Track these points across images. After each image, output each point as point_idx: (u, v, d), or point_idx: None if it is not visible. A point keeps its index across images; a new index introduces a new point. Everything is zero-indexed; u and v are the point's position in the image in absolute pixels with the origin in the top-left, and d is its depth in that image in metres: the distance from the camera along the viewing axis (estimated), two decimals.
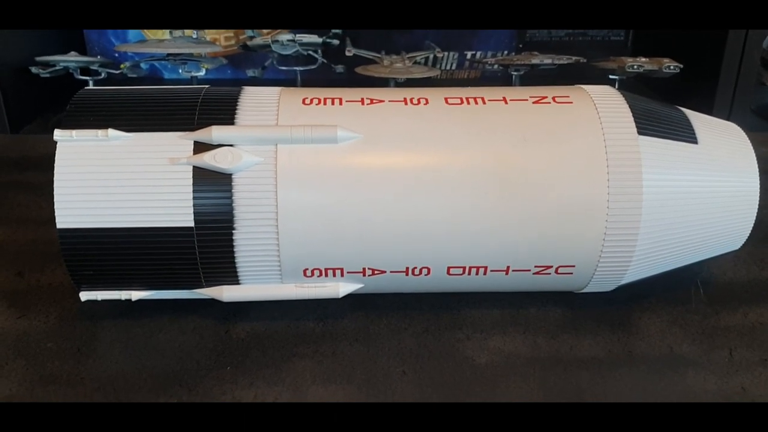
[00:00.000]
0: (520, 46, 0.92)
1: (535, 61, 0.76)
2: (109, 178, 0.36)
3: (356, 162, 0.36)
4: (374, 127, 0.37)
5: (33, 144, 0.69)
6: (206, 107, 0.38)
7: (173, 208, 0.36)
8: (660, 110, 0.40)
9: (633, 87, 0.85)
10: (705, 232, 0.39)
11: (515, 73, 0.78)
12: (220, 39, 0.90)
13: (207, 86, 0.41)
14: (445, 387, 0.35)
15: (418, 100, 0.39)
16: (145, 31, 0.90)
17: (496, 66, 0.84)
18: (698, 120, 0.41)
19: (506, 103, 0.39)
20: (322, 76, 0.83)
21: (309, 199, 0.36)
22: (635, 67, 0.72)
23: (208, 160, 0.36)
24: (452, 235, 0.37)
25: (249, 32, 0.84)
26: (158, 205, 0.36)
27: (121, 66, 0.78)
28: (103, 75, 0.77)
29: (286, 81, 0.83)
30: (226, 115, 0.37)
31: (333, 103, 0.39)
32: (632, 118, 0.38)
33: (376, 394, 0.35)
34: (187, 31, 0.83)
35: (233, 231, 0.36)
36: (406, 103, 0.39)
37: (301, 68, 0.78)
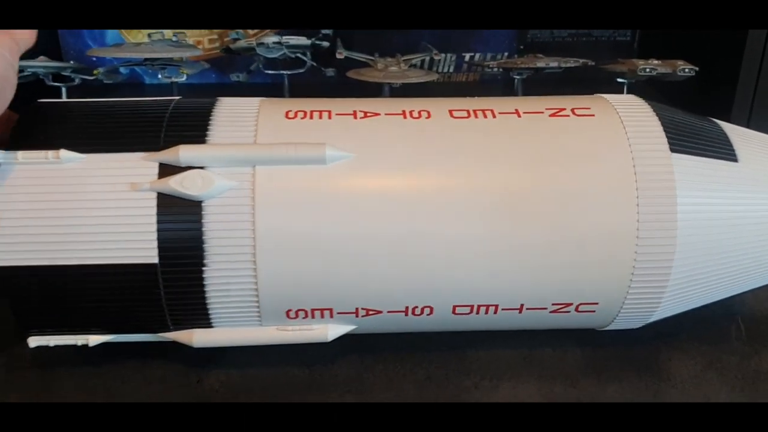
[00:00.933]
0: (521, 47, 0.87)
1: (540, 64, 0.71)
2: (60, 208, 0.31)
3: (347, 185, 0.32)
4: (368, 145, 0.32)
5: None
6: (174, 123, 0.33)
7: (134, 242, 0.31)
8: (693, 123, 0.36)
9: (643, 92, 0.80)
10: (747, 261, 0.35)
11: (518, 77, 0.73)
12: (204, 41, 0.85)
13: (177, 98, 0.36)
14: None
15: (419, 113, 0.34)
16: (124, 33, 0.84)
17: (497, 69, 0.79)
18: (736, 134, 0.37)
19: (519, 116, 0.34)
20: (311, 80, 0.78)
21: (292, 229, 0.31)
22: (647, 70, 0.67)
23: (175, 185, 0.31)
24: (458, 270, 0.32)
25: (233, 34, 0.79)
26: (117, 238, 0.31)
27: (95, 72, 0.73)
28: (77, 81, 0.72)
29: (273, 85, 0.77)
30: (197, 132, 0.32)
31: (321, 117, 0.34)
32: (663, 133, 0.34)
33: None
34: (167, 34, 0.77)
35: (204, 267, 0.31)
36: (405, 117, 0.34)
37: (289, 72, 0.73)
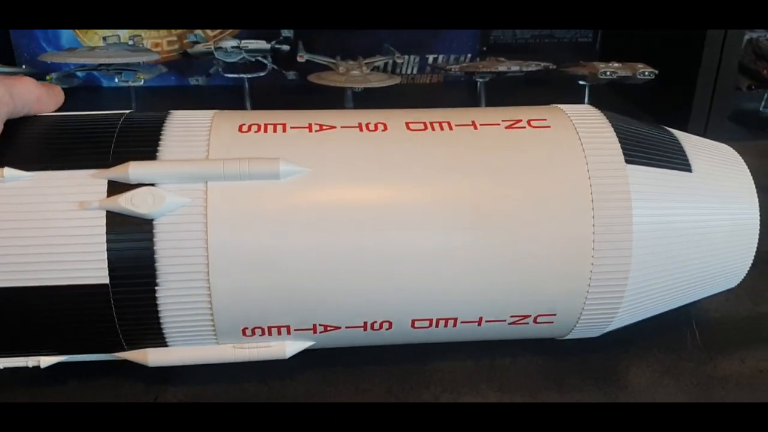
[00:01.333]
0: (484, 49, 0.87)
1: (501, 68, 0.72)
2: (5, 228, 0.30)
3: (302, 201, 0.31)
4: (323, 159, 0.32)
5: None
6: (124, 139, 0.32)
7: (83, 261, 0.30)
8: (648, 133, 0.36)
9: (604, 94, 0.81)
10: (702, 270, 0.35)
11: (480, 80, 0.73)
12: (163, 44, 0.83)
13: (128, 111, 0.35)
14: None
15: (375, 125, 0.33)
16: (79, 35, 0.82)
17: (460, 72, 0.79)
18: (690, 143, 0.37)
19: (476, 128, 0.34)
20: (272, 84, 0.77)
21: (247, 246, 0.31)
22: (608, 73, 0.68)
23: (124, 203, 0.30)
24: (416, 285, 0.32)
25: (191, 37, 0.77)
26: (65, 258, 0.30)
27: (47, 77, 0.71)
28: None
29: (234, 88, 0.76)
30: (147, 148, 0.32)
31: (275, 130, 0.33)
32: (618, 144, 0.34)
33: None
34: (123, 37, 0.76)
35: (156, 287, 0.31)
36: (361, 130, 0.33)
37: (249, 75, 0.72)
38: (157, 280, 0.31)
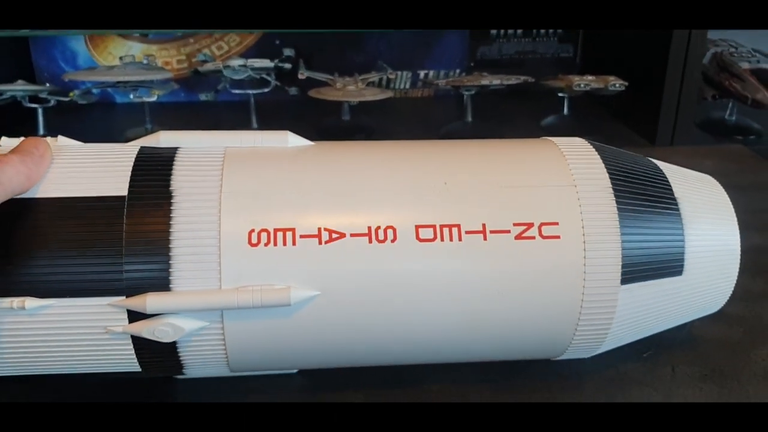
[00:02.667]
0: (472, 64, 0.93)
1: (484, 81, 0.78)
2: (33, 352, 0.30)
3: (312, 325, 0.31)
4: (334, 280, 0.31)
5: None
6: (132, 262, 0.30)
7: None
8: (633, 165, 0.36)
9: (581, 104, 0.87)
10: (687, 301, 0.37)
11: (466, 93, 0.80)
12: (173, 62, 0.90)
13: (125, 223, 0.30)
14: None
15: (385, 233, 0.31)
16: (95, 55, 0.89)
17: (448, 86, 0.85)
18: (677, 179, 0.37)
19: (485, 238, 0.32)
20: (275, 98, 0.83)
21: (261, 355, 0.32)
22: (582, 85, 0.74)
23: (147, 334, 0.30)
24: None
25: (201, 56, 0.84)
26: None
27: (71, 94, 0.77)
28: (52, 102, 0.76)
29: (240, 104, 0.83)
30: (161, 275, 0.30)
31: (285, 243, 0.30)
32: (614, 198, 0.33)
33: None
34: (138, 57, 0.82)
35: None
36: (370, 241, 0.31)
37: (255, 91, 0.78)
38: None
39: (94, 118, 0.87)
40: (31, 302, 0.29)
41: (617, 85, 0.74)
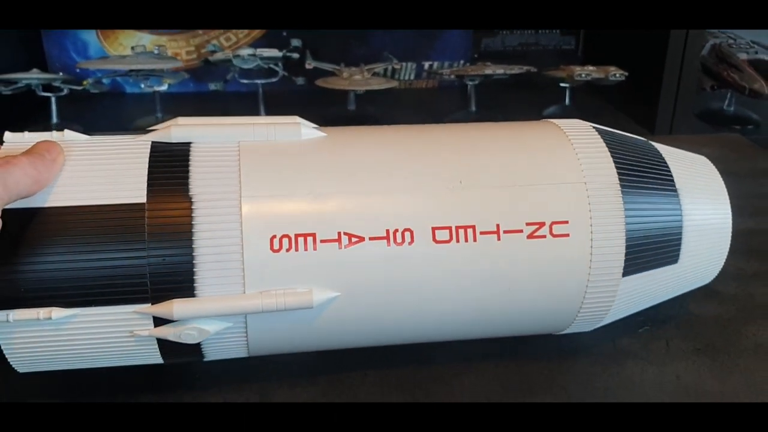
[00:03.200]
0: (476, 55, 0.95)
1: (487, 71, 0.79)
2: (62, 355, 0.31)
3: (334, 325, 0.32)
4: (353, 284, 0.32)
5: None
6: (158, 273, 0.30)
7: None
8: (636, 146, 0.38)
9: (582, 93, 0.89)
10: (688, 269, 0.38)
11: (470, 82, 0.81)
12: (182, 53, 0.91)
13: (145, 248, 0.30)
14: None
15: (402, 235, 0.32)
16: (106, 46, 0.91)
17: (452, 76, 0.87)
18: (675, 162, 0.38)
19: (499, 239, 0.33)
20: (283, 88, 0.85)
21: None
22: (583, 75, 0.76)
23: (173, 338, 0.31)
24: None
25: (210, 47, 0.85)
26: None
27: (84, 82, 0.79)
28: (65, 91, 0.78)
29: (248, 93, 0.84)
30: (185, 287, 0.30)
31: (305, 248, 0.31)
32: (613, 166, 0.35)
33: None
34: (149, 47, 0.84)
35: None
36: (389, 244, 0.31)
37: (263, 81, 0.80)
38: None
39: (106, 107, 0.89)
40: (57, 312, 0.29)
41: (617, 75, 0.75)
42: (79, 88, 0.78)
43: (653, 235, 0.35)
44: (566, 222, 0.33)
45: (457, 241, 0.32)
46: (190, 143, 0.32)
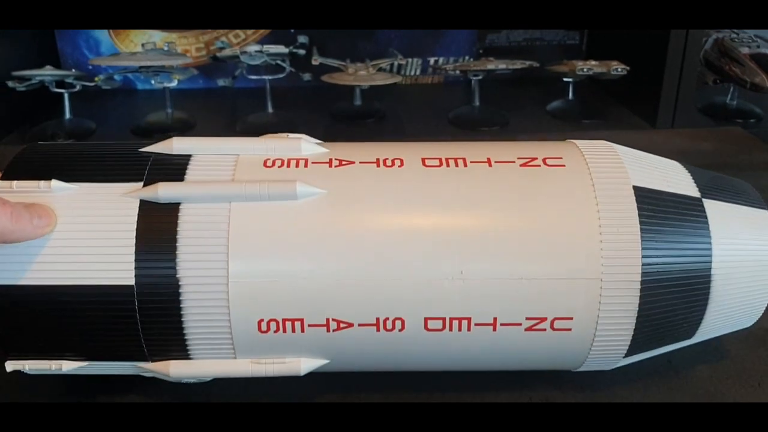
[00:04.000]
0: (480, 51, 0.96)
1: (491, 66, 0.81)
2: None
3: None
4: (341, 356, 0.33)
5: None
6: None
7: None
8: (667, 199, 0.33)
9: (585, 88, 0.89)
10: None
11: (474, 77, 0.82)
12: (191, 50, 0.93)
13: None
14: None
15: (393, 324, 0.31)
16: (117, 42, 0.92)
17: (457, 72, 0.88)
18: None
19: (495, 330, 0.32)
20: (290, 84, 0.87)
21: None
22: (585, 70, 0.77)
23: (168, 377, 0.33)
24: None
25: (218, 43, 0.87)
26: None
27: (96, 79, 0.81)
28: (78, 87, 0.80)
29: (256, 89, 0.86)
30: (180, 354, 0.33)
31: (294, 330, 0.32)
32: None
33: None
34: (159, 43, 0.86)
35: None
36: (378, 330, 0.31)
37: (270, 77, 0.81)
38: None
39: (117, 103, 0.91)
40: (67, 365, 0.33)
41: (619, 70, 0.76)
42: (92, 84, 0.80)
43: (669, 323, 0.32)
44: (570, 318, 0.31)
45: (450, 330, 0.31)
46: (179, 205, 0.32)
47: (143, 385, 0.37)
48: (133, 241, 0.31)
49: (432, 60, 0.97)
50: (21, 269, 0.31)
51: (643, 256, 0.31)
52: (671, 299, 0.32)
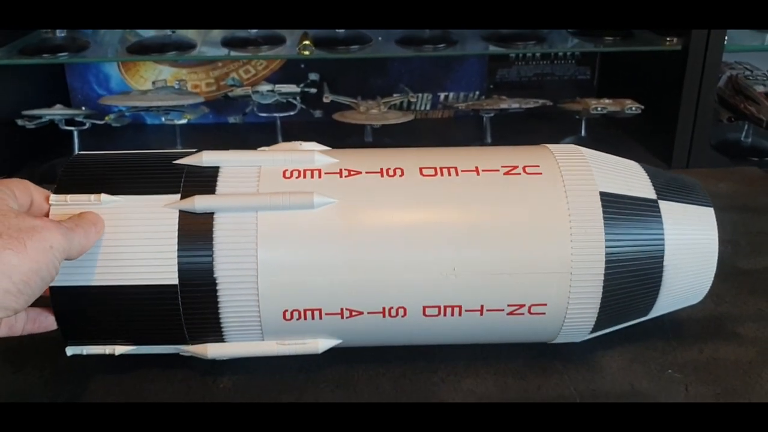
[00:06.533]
0: (491, 86, 0.96)
1: (503, 105, 0.80)
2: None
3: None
4: (353, 336, 0.38)
5: None
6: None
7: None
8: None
9: (599, 127, 0.89)
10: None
11: (486, 115, 0.82)
12: (201, 85, 0.93)
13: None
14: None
15: (397, 311, 0.37)
16: (127, 79, 0.92)
17: (468, 110, 0.88)
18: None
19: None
20: (301, 120, 0.86)
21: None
22: (599, 109, 0.76)
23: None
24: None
25: (229, 80, 0.87)
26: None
27: (106, 117, 0.81)
28: (87, 125, 0.80)
29: (266, 125, 0.85)
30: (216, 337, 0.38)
31: (313, 317, 0.37)
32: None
33: None
34: (169, 80, 0.85)
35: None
36: (384, 316, 0.37)
37: (281, 114, 0.81)
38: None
39: (127, 140, 0.91)
40: (120, 348, 0.39)
41: (633, 108, 0.76)
42: (101, 122, 0.80)
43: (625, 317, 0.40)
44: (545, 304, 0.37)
45: (445, 315, 0.37)
46: (213, 214, 0.36)
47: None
48: (176, 246, 0.35)
49: (442, 96, 0.96)
50: (78, 272, 0.35)
51: (606, 254, 0.37)
52: (629, 287, 0.38)
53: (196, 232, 0.36)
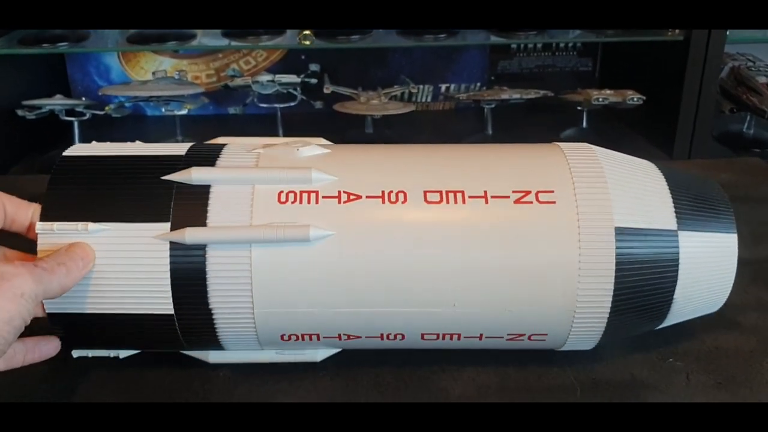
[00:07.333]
0: (492, 78, 0.95)
1: (504, 96, 0.80)
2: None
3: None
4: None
5: (22, 185, 0.70)
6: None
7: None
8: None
9: (600, 118, 0.89)
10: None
11: (487, 106, 0.82)
12: (201, 76, 0.93)
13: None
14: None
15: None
16: (128, 70, 0.92)
17: (469, 100, 0.87)
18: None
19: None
20: (301, 111, 0.86)
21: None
22: (600, 99, 0.76)
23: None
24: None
25: (230, 71, 0.86)
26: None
27: (106, 108, 0.80)
28: (87, 116, 0.79)
29: (267, 117, 0.85)
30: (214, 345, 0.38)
31: (311, 338, 0.38)
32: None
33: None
34: (169, 71, 0.85)
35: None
36: (382, 339, 0.37)
37: (281, 105, 0.81)
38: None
39: (127, 130, 0.90)
40: (124, 353, 0.40)
41: (635, 99, 0.75)
42: (101, 113, 0.80)
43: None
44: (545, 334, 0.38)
45: (443, 339, 0.38)
46: (205, 249, 0.35)
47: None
48: (168, 280, 0.35)
49: (443, 87, 0.96)
50: (74, 302, 0.35)
51: (614, 294, 0.35)
52: (633, 324, 0.38)
53: (188, 265, 0.35)
